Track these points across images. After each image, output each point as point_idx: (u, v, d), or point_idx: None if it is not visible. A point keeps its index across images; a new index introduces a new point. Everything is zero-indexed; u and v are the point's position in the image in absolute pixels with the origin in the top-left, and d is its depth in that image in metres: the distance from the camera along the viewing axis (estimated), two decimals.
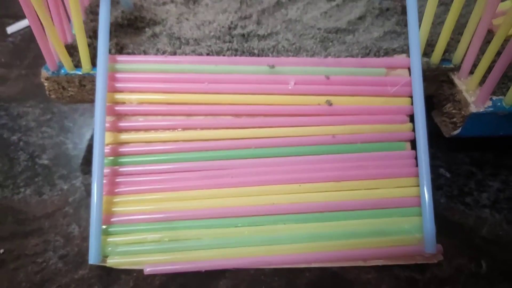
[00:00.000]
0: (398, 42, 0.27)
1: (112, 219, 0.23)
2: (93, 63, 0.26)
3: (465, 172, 0.28)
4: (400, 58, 0.27)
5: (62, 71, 0.26)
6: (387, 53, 0.27)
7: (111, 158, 0.25)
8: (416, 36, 0.25)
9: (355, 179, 0.25)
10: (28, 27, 0.39)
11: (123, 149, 0.25)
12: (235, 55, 0.26)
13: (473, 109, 0.25)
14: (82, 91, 0.27)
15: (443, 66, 0.27)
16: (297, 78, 0.26)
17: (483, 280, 0.23)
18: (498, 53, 0.25)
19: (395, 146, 0.26)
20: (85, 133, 0.30)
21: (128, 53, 0.26)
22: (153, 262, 0.22)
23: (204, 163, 0.25)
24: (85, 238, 0.24)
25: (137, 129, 0.25)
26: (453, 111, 0.26)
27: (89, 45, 0.26)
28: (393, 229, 0.24)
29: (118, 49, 0.26)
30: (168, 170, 0.25)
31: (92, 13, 0.29)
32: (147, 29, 0.28)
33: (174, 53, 0.26)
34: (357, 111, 0.26)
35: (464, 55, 0.26)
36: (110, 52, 0.26)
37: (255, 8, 0.30)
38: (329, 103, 0.25)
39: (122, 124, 0.25)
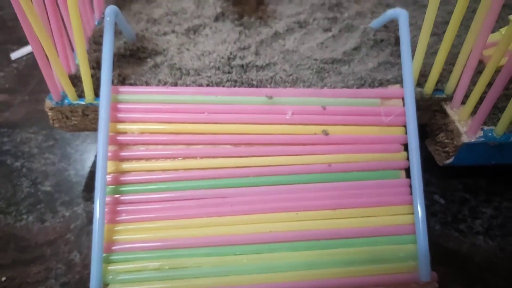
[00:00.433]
0: (392, 73, 0.28)
1: (113, 247, 0.24)
2: (96, 93, 0.27)
3: (459, 199, 0.29)
4: (394, 89, 0.27)
5: (66, 101, 0.27)
6: (381, 84, 0.28)
7: (113, 186, 0.25)
8: (409, 68, 0.26)
9: (351, 207, 0.25)
10: (32, 52, 0.40)
11: (125, 178, 0.25)
12: (234, 86, 0.27)
13: (465, 139, 0.25)
14: (85, 120, 0.28)
15: (436, 96, 0.28)
16: (294, 108, 0.26)
17: None
18: (489, 84, 0.25)
19: (390, 175, 0.26)
20: (87, 160, 0.31)
21: (130, 84, 0.27)
22: None
23: (203, 191, 0.25)
24: (86, 265, 0.25)
25: (138, 158, 0.26)
26: (446, 140, 0.27)
27: (92, 76, 0.27)
28: (389, 256, 0.24)
29: (121, 79, 0.27)
30: (168, 198, 0.25)
31: (95, 43, 0.30)
32: (148, 60, 0.29)
33: (175, 84, 0.27)
34: (353, 140, 0.26)
35: (456, 86, 0.27)
36: (112, 82, 0.26)
37: (253, 38, 0.31)
38: (326, 133, 0.26)
39: (124, 153, 0.26)
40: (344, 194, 0.26)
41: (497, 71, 0.26)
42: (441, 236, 0.27)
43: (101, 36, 0.30)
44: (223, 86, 0.27)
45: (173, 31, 0.32)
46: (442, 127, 0.28)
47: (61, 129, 0.28)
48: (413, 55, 0.27)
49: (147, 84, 0.27)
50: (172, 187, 0.25)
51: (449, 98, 0.28)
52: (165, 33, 0.32)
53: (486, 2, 0.24)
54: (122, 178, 0.25)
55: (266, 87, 0.27)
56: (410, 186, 0.25)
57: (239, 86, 0.27)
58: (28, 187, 0.29)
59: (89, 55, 0.28)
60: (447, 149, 0.27)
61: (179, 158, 0.26)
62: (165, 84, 0.27)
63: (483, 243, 0.26)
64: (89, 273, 0.22)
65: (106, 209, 0.24)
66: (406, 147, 0.26)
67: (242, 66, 0.28)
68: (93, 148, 0.32)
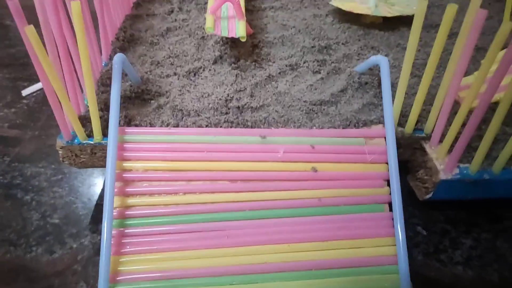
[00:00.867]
0: (375, 113, 0.31)
1: (118, 278, 0.26)
2: (104, 133, 0.29)
3: (440, 230, 0.31)
4: (377, 129, 0.30)
5: (76, 140, 0.29)
6: (365, 124, 0.30)
7: (118, 220, 0.27)
8: (390, 110, 0.29)
9: (339, 239, 0.27)
10: (41, 89, 0.43)
11: (130, 212, 0.27)
12: (231, 127, 0.29)
13: (442, 176, 0.28)
14: (93, 158, 0.30)
15: (416, 135, 0.30)
16: (286, 147, 0.29)
17: None
18: (464, 124, 0.28)
19: (375, 208, 0.28)
20: (93, 193, 0.33)
21: (136, 125, 0.29)
22: None
23: (202, 224, 0.27)
24: None
25: (142, 194, 0.28)
26: (425, 177, 0.29)
27: (100, 117, 0.29)
28: (374, 286, 0.26)
29: (127, 121, 0.29)
30: (170, 231, 0.27)
31: (103, 85, 0.33)
32: (152, 101, 0.31)
33: (177, 125, 0.29)
34: (340, 176, 0.29)
35: (434, 125, 0.30)
36: (119, 123, 0.29)
37: (249, 81, 0.34)
38: (315, 170, 0.28)
39: (129, 189, 0.28)
40: (332, 227, 0.28)
41: (472, 111, 0.28)
42: (423, 266, 0.28)
43: (109, 78, 0.33)
44: (221, 127, 0.29)
45: (175, 73, 0.34)
46: (421, 164, 0.30)
47: (70, 165, 0.30)
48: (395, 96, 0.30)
49: (151, 124, 0.29)
50: (174, 220, 0.27)
51: (428, 137, 0.30)
52: (167, 75, 0.34)
53: (459, 47, 0.26)
54: (127, 212, 0.27)
55: (260, 127, 0.30)
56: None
57: (236, 127, 0.30)
58: (38, 220, 0.31)
59: (98, 97, 0.31)
60: (426, 185, 0.29)
61: (180, 194, 0.28)
62: (167, 125, 0.29)
63: (462, 273, 0.28)
64: None
65: (112, 241, 0.26)
66: (389, 182, 0.28)
67: (238, 107, 0.31)
68: (99, 182, 0.34)
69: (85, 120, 0.30)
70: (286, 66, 0.36)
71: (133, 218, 0.27)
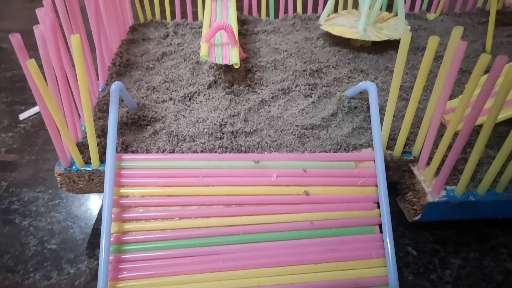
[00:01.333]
0: (365, 137, 0.32)
1: None
2: (101, 160, 0.30)
3: (430, 250, 0.32)
4: (366, 152, 0.31)
5: (74, 167, 0.30)
6: (355, 148, 0.31)
7: (116, 246, 0.28)
8: (378, 134, 0.30)
9: (330, 261, 0.28)
10: (38, 112, 0.43)
11: (126, 237, 0.28)
12: (226, 152, 0.30)
13: (429, 198, 0.29)
14: (91, 184, 0.31)
15: (404, 158, 0.31)
16: (279, 171, 0.30)
17: None
18: (450, 147, 0.29)
19: (365, 230, 0.29)
20: (90, 217, 0.33)
21: (133, 151, 0.30)
22: None
23: (198, 249, 0.28)
24: None
25: (138, 219, 0.28)
26: (414, 199, 0.30)
27: (98, 144, 0.30)
28: None
29: (124, 147, 0.30)
30: (166, 256, 0.28)
31: (100, 111, 0.34)
32: (148, 127, 0.32)
33: (173, 151, 0.30)
34: (331, 199, 0.30)
35: (422, 148, 0.31)
36: (116, 150, 0.30)
37: (242, 105, 0.35)
38: (307, 193, 0.29)
39: (126, 215, 0.28)
40: (325, 249, 0.28)
41: (457, 134, 0.29)
42: (414, 287, 0.29)
43: (106, 104, 0.34)
44: (216, 152, 0.30)
45: (170, 98, 0.35)
46: (410, 186, 0.31)
47: (68, 191, 0.31)
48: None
49: (148, 151, 0.30)
50: (170, 245, 0.28)
51: (416, 160, 0.31)
52: (163, 100, 0.35)
53: (443, 73, 0.27)
54: (124, 238, 0.28)
55: (254, 152, 0.31)
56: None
57: (230, 152, 0.30)
58: (35, 246, 0.31)
59: (95, 123, 0.32)
60: (415, 207, 0.30)
61: (176, 218, 0.29)
62: (163, 151, 0.30)
63: None
64: None
65: (109, 267, 0.26)
66: (379, 205, 0.29)
67: (232, 132, 0.32)
68: (95, 206, 0.34)
69: (82, 147, 0.30)
70: (278, 90, 0.37)
71: (130, 244, 0.28)
